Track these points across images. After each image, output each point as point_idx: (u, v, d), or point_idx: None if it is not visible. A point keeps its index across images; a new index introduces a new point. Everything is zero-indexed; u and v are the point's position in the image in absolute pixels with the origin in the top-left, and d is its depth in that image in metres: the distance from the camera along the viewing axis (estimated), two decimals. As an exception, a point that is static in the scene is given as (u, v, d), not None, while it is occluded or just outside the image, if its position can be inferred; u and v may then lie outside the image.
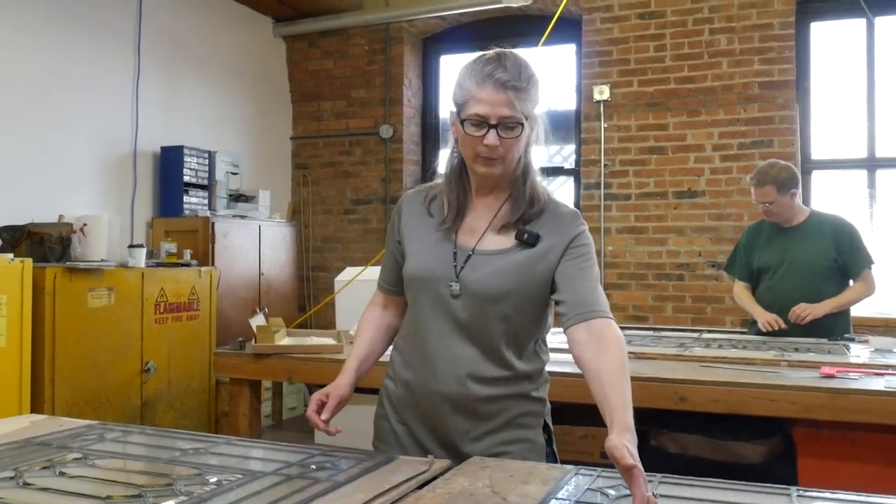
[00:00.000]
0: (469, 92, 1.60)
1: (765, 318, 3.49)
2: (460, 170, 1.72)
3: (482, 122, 1.58)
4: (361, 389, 2.81)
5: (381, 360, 1.92)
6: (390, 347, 1.90)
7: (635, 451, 1.30)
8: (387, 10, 5.96)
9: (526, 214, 1.67)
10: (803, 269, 3.55)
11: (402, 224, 1.79)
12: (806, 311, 3.42)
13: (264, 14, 6.19)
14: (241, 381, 3.19)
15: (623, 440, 1.30)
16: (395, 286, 1.85)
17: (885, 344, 3.11)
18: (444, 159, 1.77)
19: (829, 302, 3.47)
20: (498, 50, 1.63)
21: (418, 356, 1.73)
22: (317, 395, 1.72)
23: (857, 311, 4.95)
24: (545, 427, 1.80)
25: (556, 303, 1.67)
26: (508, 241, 1.67)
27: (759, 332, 3.56)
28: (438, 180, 1.80)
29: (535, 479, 1.43)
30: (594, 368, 1.52)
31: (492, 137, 1.58)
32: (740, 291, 3.80)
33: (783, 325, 3.43)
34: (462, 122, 1.60)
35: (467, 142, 1.62)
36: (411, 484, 1.41)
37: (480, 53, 1.64)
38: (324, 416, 1.68)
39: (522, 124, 1.59)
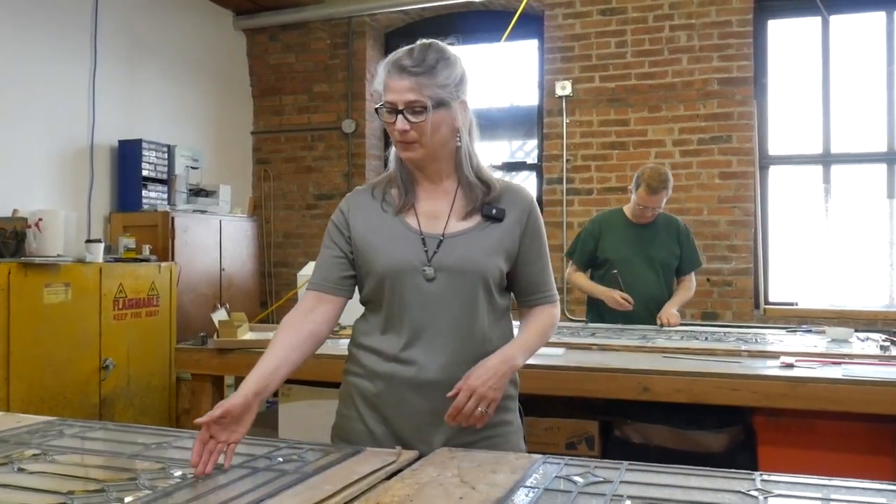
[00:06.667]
0: (383, 81, 1.68)
1: (614, 296, 3.65)
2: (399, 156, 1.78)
3: (392, 108, 1.65)
4: (326, 384, 2.80)
5: (338, 361, 1.85)
6: (355, 348, 1.79)
7: (491, 375, 1.62)
8: (349, 4, 5.92)
9: (486, 198, 1.73)
10: (655, 264, 3.77)
11: (353, 222, 1.75)
12: (673, 318, 3.63)
13: (224, 7, 6.10)
14: (203, 376, 3.15)
15: (489, 363, 1.63)
16: (335, 283, 1.75)
17: (840, 334, 3.18)
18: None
19: (675, 301, 3.75)
20: (421, 41, 1.69)
21: (398, 349, 1.70)
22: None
23: (812, 303, 5.09)
24: (518, 409, 1.84)
25: (509, 279, 1.78)
26: (475, 220, 1.73)
27: (598, 317, 3.78)
28: (381, 176, 1.83)
29: (503, 468, 1.43)
30: (519, 330, 1.79)
31: (400, 122, 1.64)
32: (578, 276, 3.93)
33: (632, 302, 3.61)
34: (378, 110, 1.68)
35: (388, 129, 1.70)
36: (380, 475, 1.41)
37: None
38: (203, 419, 1.46)
39: (427, 108, 1.63)
